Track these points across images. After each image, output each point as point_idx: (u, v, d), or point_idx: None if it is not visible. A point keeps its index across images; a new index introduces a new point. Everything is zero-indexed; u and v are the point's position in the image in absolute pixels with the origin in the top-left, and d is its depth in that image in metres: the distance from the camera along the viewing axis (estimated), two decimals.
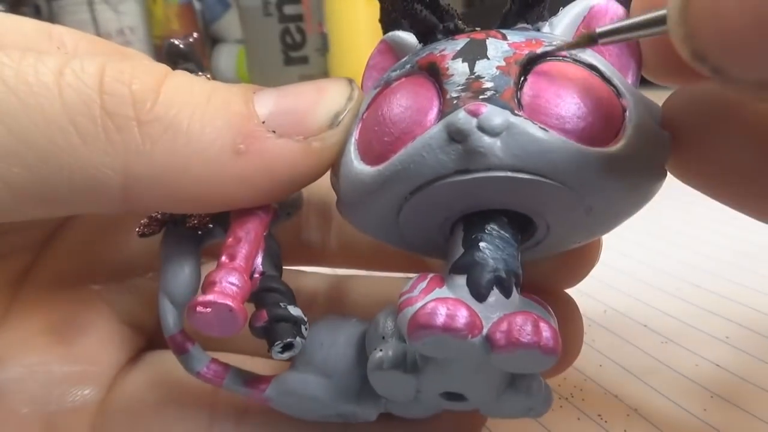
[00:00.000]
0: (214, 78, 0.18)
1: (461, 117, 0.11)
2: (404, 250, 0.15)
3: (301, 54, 0.65)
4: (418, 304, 0.11)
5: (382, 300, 0.19)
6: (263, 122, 0.13)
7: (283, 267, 0.19)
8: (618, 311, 0.25)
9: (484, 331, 0.11)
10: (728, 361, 0.21)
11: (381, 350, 0.13)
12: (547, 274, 0.16)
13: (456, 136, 0.11)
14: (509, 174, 0.11)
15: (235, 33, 0.73)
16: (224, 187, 0.13)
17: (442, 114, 0.12)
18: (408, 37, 0.15)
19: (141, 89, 0.12)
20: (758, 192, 0.13)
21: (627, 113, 0.12)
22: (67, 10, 0.70)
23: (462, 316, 0.11)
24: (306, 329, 0.14)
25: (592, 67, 0.12)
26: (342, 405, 0.15)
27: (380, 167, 0.12)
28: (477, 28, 0.13)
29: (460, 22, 0.13)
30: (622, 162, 0.11)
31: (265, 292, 0.14)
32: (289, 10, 0.63)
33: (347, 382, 0.14)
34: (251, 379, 0.15)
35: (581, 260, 0.16)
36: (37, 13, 0.71)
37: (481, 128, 0.11)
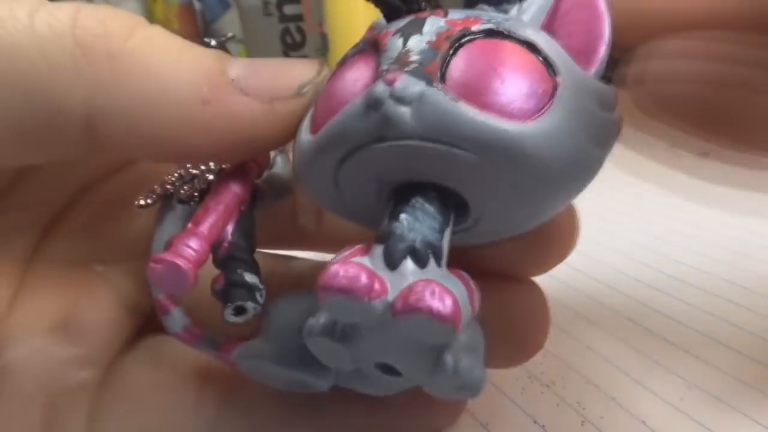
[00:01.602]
0: None
1: (377, 87, 0.12)
2: (355, 222, 0.15)
3: (301, 54, 0.65)
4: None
5: None
6: (233, 80, 0.14)
7: (277, 252, 0.20)
8: (603, 303, 0.26)
9: (390, 297, 0.11)
10: (708, 353, 0.22)
11: (314, 317, 0.13)
12: (511, 260, 0.16)
13: (371, 104, 0.12)
14: (420, 143, 0.12)
15: (235, 33, 0.74)
16: (186, 133, 0.13)
17: (371, 84, 0.12)
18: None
19: (115, 26, 0.13)
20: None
21: (557, 90, 0.12)
22: None
23: (359, 279, 0.11)
24: (261, 296, 0.15)
25: (528, 44, 0.12)
26: (288, 371, 0.15)
27: (316, 136, 0.13)
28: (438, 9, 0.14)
29: (424, 3, 0.14)
30: (542, 137, 0.11)
31: (228, 260, 0.15)
32: (289, 10, 0.64)
33: (294, 349, 0.15)
34: (222, 343, 0.16)
35: (549, 248, 0.16)
36: None
37: (393, 96, 0.11)
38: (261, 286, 0.15)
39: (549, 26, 0.14)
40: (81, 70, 0.12)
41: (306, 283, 0.20)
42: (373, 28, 0.16)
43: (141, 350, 0.18)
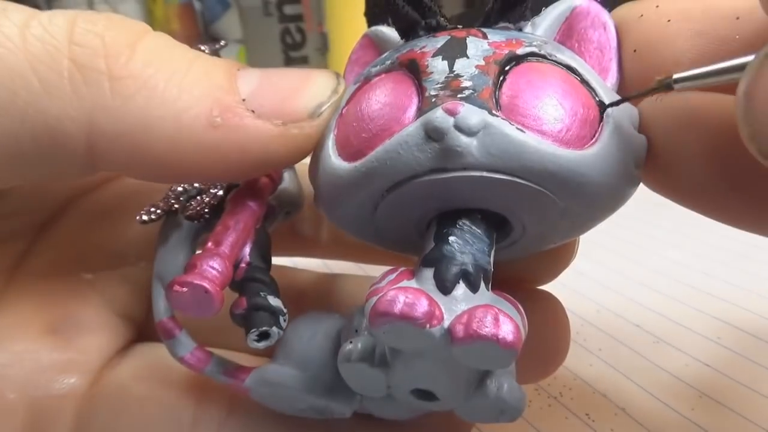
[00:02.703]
0: None
1: (438, 115, 0.11)
2: (379, 246, 0.15)
3: (301, 54, 0.65)
4: (383, 293, 0.11)
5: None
6: (243, 100, 0.13)
7: (277, 256, 0.19)
8: (611, 311, 0.26)
9: (446, 323, 0.11)
10: (718, 361, 0.21)
11: (351, 342, 0.13)
12: (521, 271, 0.16)
13: (433, 135, 0.11)
14: (485, 174, 0.11)
15: (235, 33, 0.73)
16: (194, 157, 0.13)
17: (420, 111, 0.12)
18: (390, 33, 0.15)
19: (115, 42, 0.12)
20: (729, 204, 0.12)
21: (604, 115, 0.12)
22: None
23: (421, 305, 0.11)
24: (284, 320, 0.14)
25: (570, 69, 0.12)
26: (315, 398, 0.15)
27: (357, 163, 0.12)
28: (459, 26, 0.13)
29: (442, 19, 0.13)
30: (598, 164, 0.12)
31: (248, 282, 0.14)
32: (289, 10, 0.63)
33: (322, 375, 0.14)
34: (232, 369, 0.16)
35: (556, 257, 0.16)
36: None
37: (458, 127, 0.11)
38: (285, 310, 0.14)
39: (562, 44, 0.14)
40: (80, 92, 0.12)
41: (308, 295, 0.20)
42: (373, 40, 0.15)
43: (134, 359, 0.17)
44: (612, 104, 0.12)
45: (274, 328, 0.14)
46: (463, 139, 0.11)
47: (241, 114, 0.13)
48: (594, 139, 0.12)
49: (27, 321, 0.16)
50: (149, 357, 0.17)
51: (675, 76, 0.11)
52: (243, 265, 0.14)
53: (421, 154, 0.11)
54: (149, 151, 0.12)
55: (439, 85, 0.12)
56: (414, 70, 0.12)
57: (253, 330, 0.14)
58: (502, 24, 0.14)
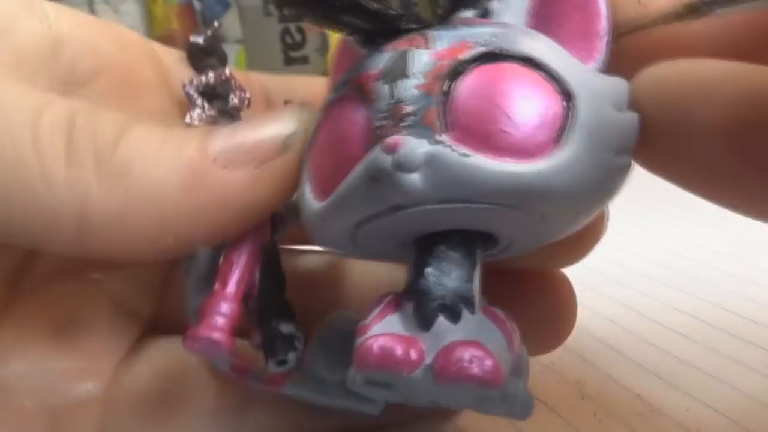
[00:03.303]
0: (231, 74, 0.18)
1: (378, 157, 0.11)
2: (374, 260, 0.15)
3: (301, 54, 0.66)
4: (365, 336, 0.12)
5: (382, 280, 0.19)
6: (214, 159, 0.13)
7: (286, 246, 0.19)
8: (596, 290, 0.28)
9: (428, 360, 0.11)
10: (698, 334, 0.23)
11: (353, 369, 0.13)
12: (540, 257, 0.15)
13: (377, 176, 0.11)
14: (437, 206, 0.11)
15: (235, 33, 0.74)
16: (177, 226, 0.13)
17: (368, 146, 0.11)
18: None
19: (104, 142, 0.13)
20: (735, 186, 0.11)
21: (571, 109, 0.11)
22: None
23: (395, 352, 0.11)
24: (300, 342, 0.15)
25: (527, 60, 0.11)
26: (344, 402, 0.16)
27: (323, 204, 0.12)
28: (418, 26, 0.13)
29: (400, 20, 0.13)
30: (565, 169, 0.11)
31: (261, 312, 0.15)
32: (289, 9, 0.64)
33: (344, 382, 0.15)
34: (270, 377, 0.16)
35: (580, 240, 0.15)
36: None
37: (399, 166, 0.11)
38: (298, 334, 0.15)
39: (539, 14, 0.13)
40: (73, 188, 0.13)
41: (318, 277, 0.20)
42: (348, 45, 0.15)
43: (149, 358, 0.18)
44: (582, 91, 0.11)
45: (290, 354, 0.14)
46: (407, 177, 0.11)
47: (211, 173, 0.13)
48: (558, 141, 0.11)
49: (37, 327, 0.16)
50: (163, 354, 0.18)
51: None
52: (255, 293, 0.15)
53: (372, 194, 0.11)
54: (135, 232, 0.13)
55: (382, 114, 0.11)
56: (362, 97, 0.12)
57: (270, 360, 0.15)
58: (462, 14, 0.13)
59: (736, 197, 0.12)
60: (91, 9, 0.71)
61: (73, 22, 0.16)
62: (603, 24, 0.12)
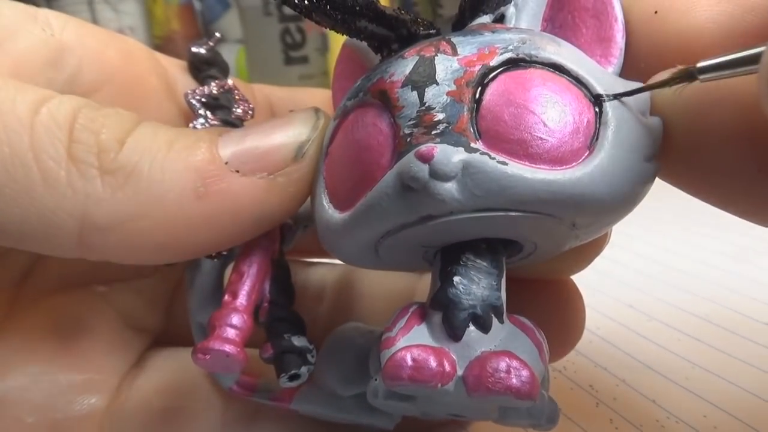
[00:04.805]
0: (234, 85, 0.18)
1: (413, 165, 0.10)
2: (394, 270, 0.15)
3: (301, 54, 0.66)
4: (393, 348, 0.11)
5: (390, 291, 0.19)
6: (226, 163, 0.13)
7: (296, 259, 0.19)
8: (605, 293, 0.27)
9: (460, 372, 0.11)
10: (706, 335, 0.23)
11: (376, 379, 0.12)
12: (550, 267, 0.15)
13: (411, 185, 0.11)
14: (472, 215, 0.11)
15: (235, 33, 0.74)
16: (186, 232, 0.13)
17: (396, 154, 0.11)
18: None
19: (108, 139, 0.12)
20: (749, 193, 0.11)
21: (602, 115, 0.11)
22: (67, 9, 0.70)
23: (429, 367, 0.11)
24: (312, 356, 0.14)
25: (555, 67, 0.11)
26: (356, 417, 0.15)
27: (347, 215, 0.12)
28: (432, 30, 0.13)
29: (416, 25, 0.13)
30: (599, 176, 0.11)
31: (271, 324, 0.15)
32: (290, 9, 0.64)
33: (359, 396, 0.15)
34: (278, 393, 0.16)
35: (584, 250, 0.15)
36: None
37: (435, 174, 0.10)
38: (310, 347, 0.14)
39: (553, 19, 0.13)
40: (75, 187, 0.12)
41: (326, 290, 0.20)
42: (354, 51, 0.15)
43: (154, 371, 0.17)
44: (612, 97, 0.11)
45: (303, 368, 0.14)
46: (443, 186, 0.10)
47: (224, 177, 0.13)
48: (592, 147, 0.11)
49: (40, 340, 0.16)
50: (168, 367, 0.17)
51: (699, 65, 0.10)
52: (265, 304, 0.15)
53: (404, 204, 0.11)
54: (142, 236, 0.12)
55: (412, 122, 0.11)
56: (386, 103, 0.12)
57: (283, 374, 0.14)
58: (478, 21, 0.13)
59: (750, 204, 0.12)
60: (91, 8, 0.71)
61: (78, 32, 0.16)
62: (619, 29, 0.12)
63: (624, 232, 0.33)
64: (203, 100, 0.17)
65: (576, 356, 0.23)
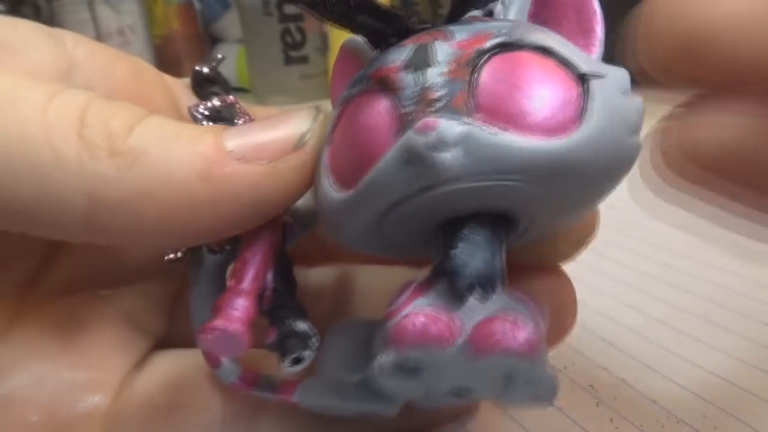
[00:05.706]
0: (236, 100, 0.18)
1: (413, 137, 0.11)
2: (395, 257, 0.15)
3: (301, 54, 0.66)
4: (399, 316, 0.12)
5: (389, 291, 0.18)
6: (230, 151, 0.13)
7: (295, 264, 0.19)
8: (604, 293, 0.27)
9: (464, 336, 0.11)
10: (709, 337, 0.23)
11: (381, 357, 0.13)
12: (540, 252, 0.16)
13: (412, 156, 0.11)
14: (471, 184, 0.11)
15: (235, 33, 0.74)
16: (189, 213, 0.13)
17: (398, 131, 0.12)
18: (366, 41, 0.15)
19: (117, 125, 0.13)
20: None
21: (587, 92, 0.12)
22: (67, 9, 0.70)
23: (437, 328, 0.11)
24: (315, 341, 0.15)
25: (543, 49, 0.12)
26: (359, 405, 0.16)
27: (350, 192, 0.12)
28: (427, 24, 0.13)
29: (411, 19, 0.13)
30: (588, 145, 0.11)
31: (274, 310, 0.15)
32: (289, 9, 0.64)
33: (361, 383, 0.15)
34: (280, 386, 0.16)
35: (575, 234, 0.16)
36: (36, 13, 0.71)
37: (435, 144, 0.11)
38: (314, 332, 0.15)
39: (537, 15, 0.14)
40: (84, 167, 0.13)
41: (326, 290, 0.20)
42: (352, 51, 0.15)
43: (155, 369, 0.18)
44: (594, 76, 0.12)
45: (306, 352, 0.14)
46: (443, 155, 0.11)
47: (227, 163, 0.13)
48: (580, 120, 0.12)
49: (44, 340, 0.16)
50: (170, 366, 0.18)
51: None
52: (268, 293, 0.15)
53: (406, 175, 0.12)
54: (145, 215, 0.13)
55: (410, 101, 0.12)
56: (387, 87, 0.12)
57: (285, 357, 0.14)
58: (469, 14, 0.14)
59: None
60: (91, 8, 0.71)
61: (89, 50, 0.16)
62: (598, 21, 0.13)
63: (624, 232, 0.33)
64: (206, 113, 0.18)
65: (576, 356, 0.23)
